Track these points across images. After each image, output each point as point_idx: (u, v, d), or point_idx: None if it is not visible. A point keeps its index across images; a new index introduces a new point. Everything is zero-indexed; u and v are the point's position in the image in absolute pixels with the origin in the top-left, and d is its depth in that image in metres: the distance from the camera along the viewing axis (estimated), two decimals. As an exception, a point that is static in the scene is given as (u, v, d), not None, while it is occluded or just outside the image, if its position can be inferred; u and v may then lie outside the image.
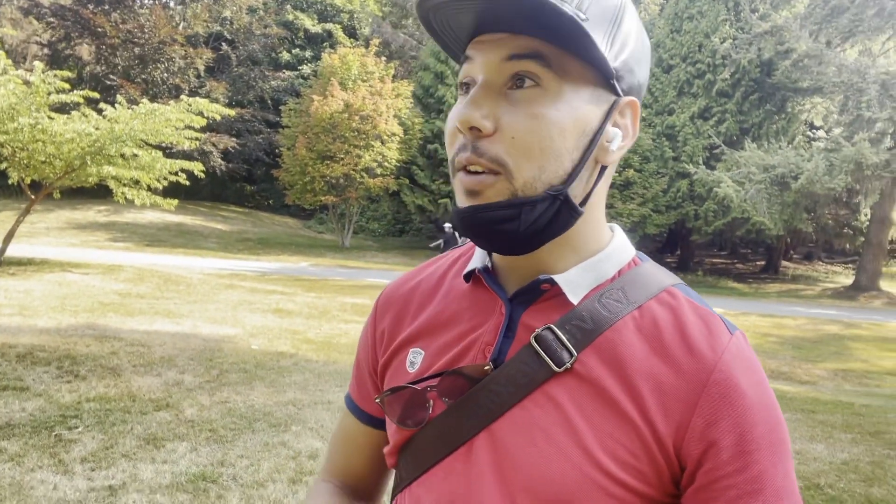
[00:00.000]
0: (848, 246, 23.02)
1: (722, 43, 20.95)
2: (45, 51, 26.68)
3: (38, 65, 10.71)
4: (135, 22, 25.33)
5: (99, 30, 24.73)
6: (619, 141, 0.66)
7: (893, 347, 10.38)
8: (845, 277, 24.64)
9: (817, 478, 3.85)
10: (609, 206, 21.12)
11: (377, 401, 0.72)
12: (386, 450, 0.75)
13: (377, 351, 0.79)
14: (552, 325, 0.64)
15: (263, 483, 3.23)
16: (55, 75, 10.68)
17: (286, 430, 4.03)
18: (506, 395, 0.64)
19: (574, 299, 0.65)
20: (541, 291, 0.67)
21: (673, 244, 27.98)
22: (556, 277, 0.66)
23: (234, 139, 25.53)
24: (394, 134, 21.88)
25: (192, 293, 9.90)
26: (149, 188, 11.68)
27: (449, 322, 0.72)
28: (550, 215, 0.63)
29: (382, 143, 21.87)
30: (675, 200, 22.05)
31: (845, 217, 20.17)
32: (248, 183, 31.60)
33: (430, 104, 23.80)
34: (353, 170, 21.15)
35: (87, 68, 25.99)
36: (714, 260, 28.00)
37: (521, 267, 0.68)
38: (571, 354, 0.63)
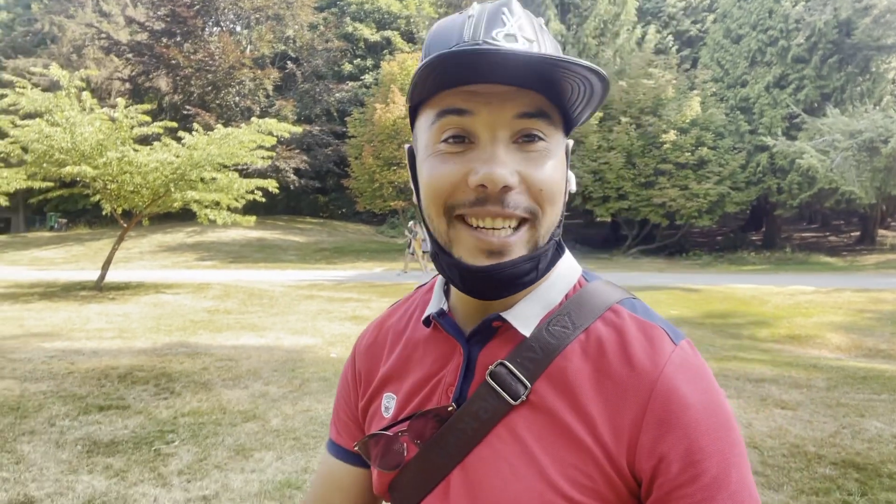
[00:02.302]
0: (953, 209, 21.39)
1: (794, 6, 19.90)
2: (127, 85, 28.46)
3: (121, 101, 11.48)
4: (205, 51, 26.62)
5: (173, 62, 26.16)
6: (573, 181, 0.71)
7: None
8: (952, 243, 22.87)
9: (917, 462, 3.64)
10: (684, 188, 20.50)
11: (356, 448, 0.76)
12: (375, 491, 0.78)
13: (357, 392, 0.84)
14: (504, 361, 0.67)
15: (345, 488, 3.37)
16: (137, 109, 11.42)
17: (365, 435, 4.18)
18: (471, 433, 0.67)
19: (525, 331, 0.68)
20: (494, 329, 0.70)
21: (757, 221, 26.76)
22: (505, 314, 0.68)
23: (304, 154, 26.38)
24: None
25: (275, 305, 10.33)
26: (228, 208, 12.29)
27: (415, 366, 0.76)
28: (549, 259, 0.69)
29: (447, 143, 22.05)
30: (754, 175, 21.10)
31: (947, 178, 18.69)
32: (321, 194, 32.58)
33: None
34: (420, 173, 21.45)
35: (166, 98, 27.58)
36: (804, 234, 26.59)
37: (478, 306, 0.71)
38: (526, 386, 0.66)
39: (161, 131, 11.51)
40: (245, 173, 13.74)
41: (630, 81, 20.89)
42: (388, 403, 0.77)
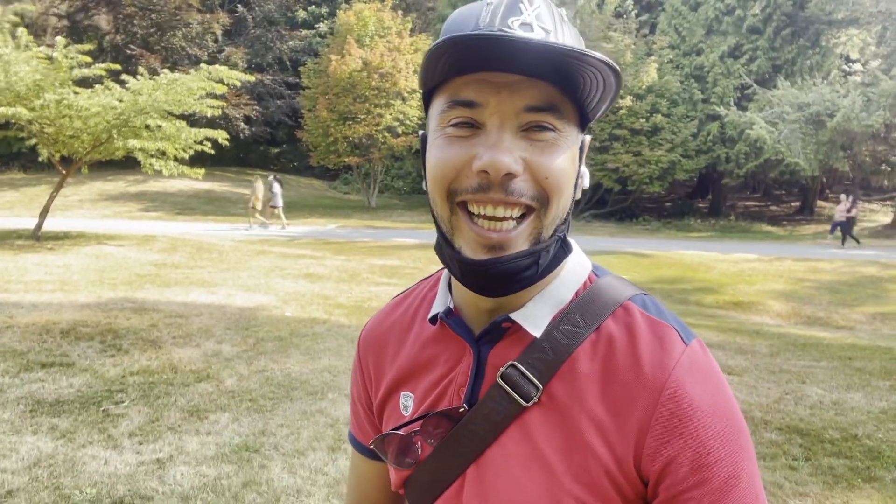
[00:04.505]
0: (886, 182, 22.33)
1: (752, -24, 20.06)
2: (64, 22, 26.72)
3: (60, 40, 10.76)
4: (150, -12, 25.14)
5: (115, -2, 24.67)
6: (587, 178, 0.71)
7: (934, 288, 10.14)
8: (883, 216, 23.99)
9: (855, 428, 3.82)
10: (637, 154, 20.77)
11: (371, 446, 0.76)
12: (392, 487, 0.80)
13: (369, 391, 0.84)
14: (515, 362, 0.67)
15: (304, 451, 3.33)
16: (77, 49, 10.73)
17: (322, 397, 4.13)
18: (483, 434, 0.67)
19: (536, 332, 0.67)
20: (503, 329, 0.69)
21: (704, 189, 27.44)
22: (515, 315, 0.68)
23: (255, 103, 25.48)
24: (414, 90, 21.61)
25: (225, 261, 10.07)
26: (175, 158, 11.78)
27: (427, 365, 0.75)
28: (552, 255, 0.67)
29: (403, 100, 21.63)
30: (705, 144, 21.52)
31: (883, 153, 19.46)
32: (272, 146, 31.66)
33: (451, 57, 23.42)
34: (376, 130, 21.03)
35: (107, 38, 26.04)
36: (747, 203, 27.45)
37: (485, 304, 0.69)
38: (537, 388, 0.66)
39: (103, 73, 10.86)
40: (192, 121, 13.12)
41: (590, 45, 20.71)
42: (406, 402, 0.77)
